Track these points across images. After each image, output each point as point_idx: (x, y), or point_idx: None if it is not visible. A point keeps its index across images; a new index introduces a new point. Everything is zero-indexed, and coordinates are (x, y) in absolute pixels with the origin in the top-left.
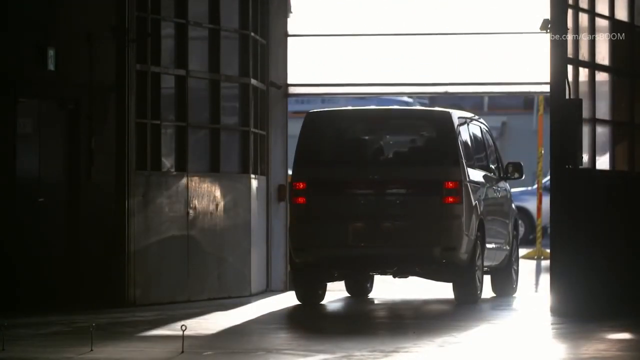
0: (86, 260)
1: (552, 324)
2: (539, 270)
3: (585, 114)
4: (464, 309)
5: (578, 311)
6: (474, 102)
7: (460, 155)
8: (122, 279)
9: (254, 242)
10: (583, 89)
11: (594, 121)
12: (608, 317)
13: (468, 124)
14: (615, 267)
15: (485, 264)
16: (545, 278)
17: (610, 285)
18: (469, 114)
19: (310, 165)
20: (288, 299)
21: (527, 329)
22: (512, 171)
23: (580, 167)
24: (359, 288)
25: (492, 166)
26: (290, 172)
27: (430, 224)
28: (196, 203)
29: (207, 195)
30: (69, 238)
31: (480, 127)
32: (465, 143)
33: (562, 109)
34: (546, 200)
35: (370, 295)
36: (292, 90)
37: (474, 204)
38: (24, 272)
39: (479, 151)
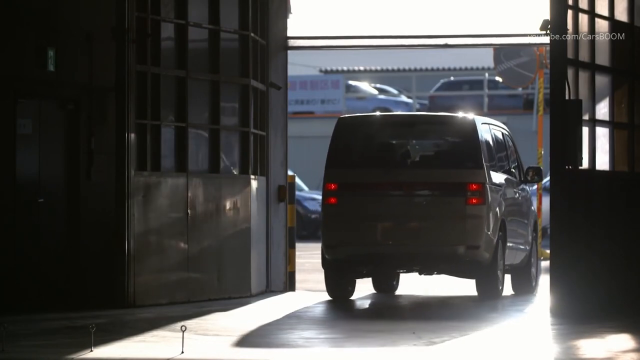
0: (86, 260)
1: (551, 324)
2: (538, 271)
3: (585, 114)
4: (465, 309)
5: (578, 312)
6: (474, 102)
7: (483, 158)
8: (122, 279)
9: (254, 242)
10: (583, 89)
11: (593, 122)
12: (608, 318)
13: (490, 129)
14: (615, 268)
15: (506, 263)
16: (545, 279)
17: (610, 286)
18: (491, 120)
19: (341, 168)
20: (288, 300)
21: (526, 330)
22: (532, 175)
23: (580, 167)
24: (386, 285)
25: (513, 169)
26: (290, 172)
27: (455, 223)
28: (196, 203)
29: (207, 195)
30: (68, 238)
31: (502, 132)
32: (487, 147)
33: (562, 110)
34: (546, 201)
35: (397, 292)
36: (292, 43)
37: (496, 205)
38: (23, 272)
39: (500, 154)
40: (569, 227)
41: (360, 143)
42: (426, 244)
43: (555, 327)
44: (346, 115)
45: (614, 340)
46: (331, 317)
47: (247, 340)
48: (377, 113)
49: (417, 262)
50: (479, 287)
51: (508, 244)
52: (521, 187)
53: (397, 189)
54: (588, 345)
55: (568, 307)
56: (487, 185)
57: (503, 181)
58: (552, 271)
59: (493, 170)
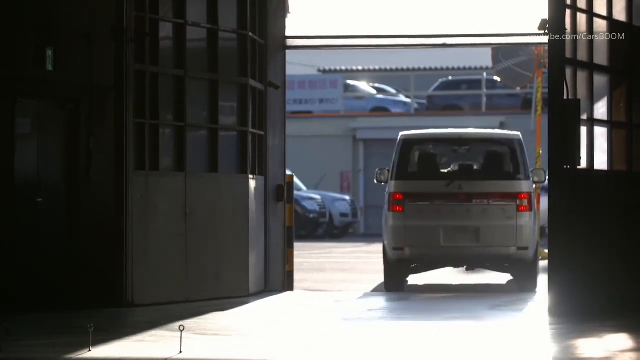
0: (85, 260)
1: (550, 324)
2: (536, 271)
3: (583, 114)
4: (464, 308)
5: (576, 311)
6: (472, 102)
7: (529, 171)
8: (120, 279)
9: (252, 242)
10: (581, 89)
11: (592, 121)
12: (606, 317)
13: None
14: (614, 267)
15: None
16: (543, 278)
17: (608, 285)
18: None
19: (406, 179)
20: (287, 299)
21: (525, 329)
22: (535, 177)
23: (579, 167)
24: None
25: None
26: (288, 172)
27: (508, 228)
28: (194, 203)
29: (206, 195)
30: (67, 238)
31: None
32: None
33: (561, 109)
34: (544, 201)
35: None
36: (290, 42)
37: (536, 211)
38: (22, 272)
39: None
40: (568, 227)
41: (421, 157)
42: (482, 245)
43: (553, 327)
44: (408, 132)
45: (612, 340)
46: (329, 315)
47: (245, 340)
48: (436, 130)
49: (474, 261)
50: (522, 282)
51: None
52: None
53: (456, 198)
54: (586, 345)
55: (566, 306)
56: (532, 194)
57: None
58: (551, 271)
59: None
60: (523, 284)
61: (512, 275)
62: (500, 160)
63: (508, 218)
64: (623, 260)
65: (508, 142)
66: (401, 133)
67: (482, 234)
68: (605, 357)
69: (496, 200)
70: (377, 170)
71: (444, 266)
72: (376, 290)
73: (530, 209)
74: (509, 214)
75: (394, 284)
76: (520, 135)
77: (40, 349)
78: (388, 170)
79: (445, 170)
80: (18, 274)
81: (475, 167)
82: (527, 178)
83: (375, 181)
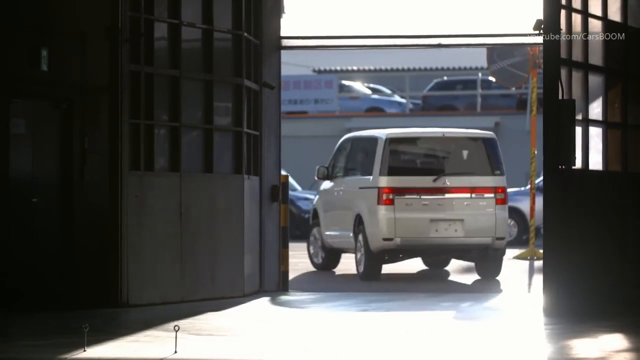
0: (80, 260)
1: (544, 324)
2: (531, 271)
3: (578, 114)
4: (458, 308)
5: (571, 312)
6: (467, 102)
7: (503, 167)
8: (115, 279)
9: (247, 242)
10: (576, 89)
11: (587, 121)
12: (601, 317)
13: None
14: (609, 268)
15: None
16: (538, 278)
17: (603, 285)
18: None
19: (394, 175)
20: (281, 299)
21: (519, 330)
22: None
23: (573, 167)
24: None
25: None
26: (283, 172)
27: (487, 219)
28: (189, 203)
29: (200, 195)
30: (62, 238)
31: None
32: None
33: (556, 110)
34: (539, 201)
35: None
36: (285, 43)
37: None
38: (17, 273)
39: None
40: (562, 227)
41: (407, 155)
42: (465, 236)
43: (548, 327)
44: (393, 132)
45: (607, 340)
46: (324, 315)
47: (240, 340)
48: (420, 129)
49: (457, 250)
50: (490, 269)
51: None
52: None
53: (440, 192)
54: (582, 345)
55: (561, 306)
56: (506, 189)
57: None
58: (546, 271)
59: None
60: (489, 272)
61: (480, 262)
62: (479, 157)
63: (487, 210)
64: (618, 260)
65: (485, 141)
66: (367, 132)
67: (465, 225)
68: (600, 357)
69: (476, 193)
70: (317, 167)
71: (430, 255)
72: (297, 286)
73: (506, 202)
74: (489, 206)
75: (374, 272)
76: (495, 135)
77: (35, 349)
78: (326, 168)
79: (430, 167)
80: (14, 274)
81: (457, 164)
82: (503, 174)
83: (316, 178)
